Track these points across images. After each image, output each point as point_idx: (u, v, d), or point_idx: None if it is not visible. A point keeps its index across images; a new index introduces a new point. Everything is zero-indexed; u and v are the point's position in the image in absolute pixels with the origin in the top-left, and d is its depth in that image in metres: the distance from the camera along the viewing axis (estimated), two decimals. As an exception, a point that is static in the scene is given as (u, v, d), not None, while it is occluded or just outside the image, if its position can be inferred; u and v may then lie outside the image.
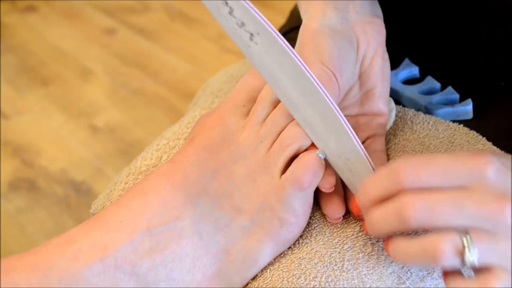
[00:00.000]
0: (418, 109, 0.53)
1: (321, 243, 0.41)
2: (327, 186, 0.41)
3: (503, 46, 0.54)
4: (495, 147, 0.48)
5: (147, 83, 1.61)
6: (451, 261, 0.34)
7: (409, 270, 0.40)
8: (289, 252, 0.41)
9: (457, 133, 0.49)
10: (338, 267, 0.40)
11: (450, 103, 0.53)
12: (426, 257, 0.35)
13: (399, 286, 0.39)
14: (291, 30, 0.66)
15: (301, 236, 0.42)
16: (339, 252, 0.41)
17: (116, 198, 0.46)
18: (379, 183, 0.37)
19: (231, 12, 0.38)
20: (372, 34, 0.47)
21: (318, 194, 0.43)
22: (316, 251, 0.41)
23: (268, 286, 0.40)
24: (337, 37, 0.46)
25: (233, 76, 0.57)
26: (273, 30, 0.39)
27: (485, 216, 0.34)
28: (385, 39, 0.48)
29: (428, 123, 0.49)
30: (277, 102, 0.43)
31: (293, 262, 0.41)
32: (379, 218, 0.36)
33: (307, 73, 0.40)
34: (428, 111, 0.52)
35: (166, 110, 1.51)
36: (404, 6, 0.58)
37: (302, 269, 0.40)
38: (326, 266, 0.40)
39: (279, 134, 0.42)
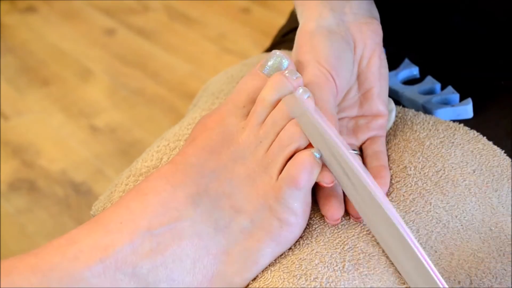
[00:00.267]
0: (418, 109, 0.53)
1: (321, 243, 0.41)
2: (327, 180, 0.41)
3: (503, 45, 0.54)
4: (495, 146, 0.48)
5: (147, 83, 1.61)
6: None
7: (409, 270, 0.40)
8: (290, 252, 0.41)
9: (458, 132, 0.49)
10: (339, 267, 0.40)
11: (450, 102, 0.53)
12: None
13: (400, 287, 0.39)
14: (291, 31, 0.66)
15: (301, 237, 0.42)
16: (339, 253, 0.41)
17: (117, 200, 0.46)
18: None
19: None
20: (368, 35, 0.47)
21: (317, 196, 0.43)
22: (316, 252, 0.41)
23: (269, 287, 0.40)
24: (334, 38, 0.46)
25: (233, 77, 0.57)
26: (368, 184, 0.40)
27: None
28: (385, 40, 0.49)
29: (428, 123, 0.49)
30: (276, 103, 0.43)
31: (294, 263, 0.41)
32: None
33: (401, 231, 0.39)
34: (428, 111, 0.52)
35: (166, 110, 1.51)
36: (404, 6, 0.58)
37: (303, 270, 0.40)
38: (327, 267, 0.40)
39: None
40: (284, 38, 0.66)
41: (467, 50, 0.56)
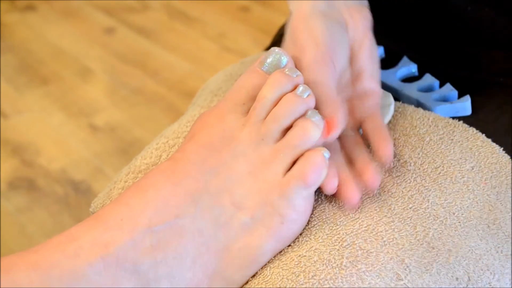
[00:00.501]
0: (416, 107, 0.53)
1: (320, 240, 0.42)
2: (331, 187, 0.42)
3: (501, 42, 0.55)
4: (494, 144, 0.48)
5: (146, 82, 1.61)
6: None
7: (407, 267, 0.40)
8: (289, 249, 0.42)
9: (457, 129, 0.49)
10: (337, 264, 0.40)
11: (449, 99, 0.53)
12: None
13: (398, 283, 0.40)
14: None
15: (301, 234, 0.42)
16: (338, 250, 0.41)
17: (116, 197, 0.46)
18: None
19: None
20: (359, 19, 0.49)
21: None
22: (315, 249, 0.41)
23: (268, 284, 0.40)
24: (329, 21, 0.47)
25: (232, 76, 0.57)
26: None
27: None
28: (384, 38, 0.49)
29: (428, 119, 0.50)
30: (277, 100, 0.43)
31: (293, 260, 0.41)
32: None
33: None
34: (426, 108, 0.52)
35: (166, 109, 1.52)
36: (402, 3, 0.58)
37: (301, 267, 0.40)
38: (325, 264, 0.40)
39: (281, 132, 0.42)
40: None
41: (465, 47, 0.56)
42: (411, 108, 0.51)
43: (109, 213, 0.40)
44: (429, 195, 0.44)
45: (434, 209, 0.43)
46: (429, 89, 0.55)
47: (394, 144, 0.48)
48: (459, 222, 0.43)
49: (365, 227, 0.42)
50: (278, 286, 0.40)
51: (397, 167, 0.46)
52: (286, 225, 0.41)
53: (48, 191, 1.28)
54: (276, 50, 0.45)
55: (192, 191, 0.41)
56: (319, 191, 0.44)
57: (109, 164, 1.35)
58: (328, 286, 0.39)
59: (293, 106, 0.42)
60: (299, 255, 0.41)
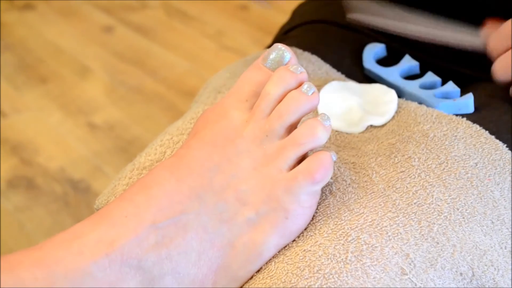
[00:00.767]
0: (419, 104, 0.53)
1: (325, 235, 0.42)
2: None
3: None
4: (497, 140, 0.48)
5: (145, 80, 1.61)
6: None
7: (412, 261, 0.41)
8: (294, 244, 0.42)
9: (460, 126, 0.49)
10: (342, 259, 0.40)
11: (451, 97, 0.53)
12: None
13: (402, 277, 0.40)
14: (293, 28, 0.66)
15: (305, 229, 0.42)
16: (343, 244, 0.41)
17: (120, 193, 0.46)
18: None
19: None
20: None
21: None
22: (320, 244, 0.41)
23: (273, 279, 0.40)
24: None
25: (235, 73, 0.57)
26: None
27: None
28: (387, 36, 0.48)
29: (432, 115, 0.50)
30: (281, 97, 0.43)
31: (298, 254, 0.41)
32: None
33: None
34: (429, 105, 0.52)
35: (165, 107, 1.51)
36: (404, 1, 0.58)
37: (306, 262, 0.40)
38: (330, 258, 0.40)
39: (285, 129, 0.42)
40: (286, 35, 0.66)
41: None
42: (414, 104, 0.51)
43: (114, 210, 0.40)
44: (433, 191, 0.44)
45: (439, 205, 0.44)
46: (431, 87, 0.55)
47: (399, 139, 0.48)
48: (463, 218, 0.43)
49: (370, 222, 0.42)
50: (283, 281, 0.40)
51: (402, 163, 0.46)
52: (290, 220, 0.41)
53: (47, 190, 1.28)
54: (279, 46, 0.45)
55: (196, 187, 0.41)
56: (323, 186, 0.44)
57: (108, 163, 1.34)
58: (333, 280, 0.39)
59: (298, 104, 0.42)
60: (304, 250, 0.41)
